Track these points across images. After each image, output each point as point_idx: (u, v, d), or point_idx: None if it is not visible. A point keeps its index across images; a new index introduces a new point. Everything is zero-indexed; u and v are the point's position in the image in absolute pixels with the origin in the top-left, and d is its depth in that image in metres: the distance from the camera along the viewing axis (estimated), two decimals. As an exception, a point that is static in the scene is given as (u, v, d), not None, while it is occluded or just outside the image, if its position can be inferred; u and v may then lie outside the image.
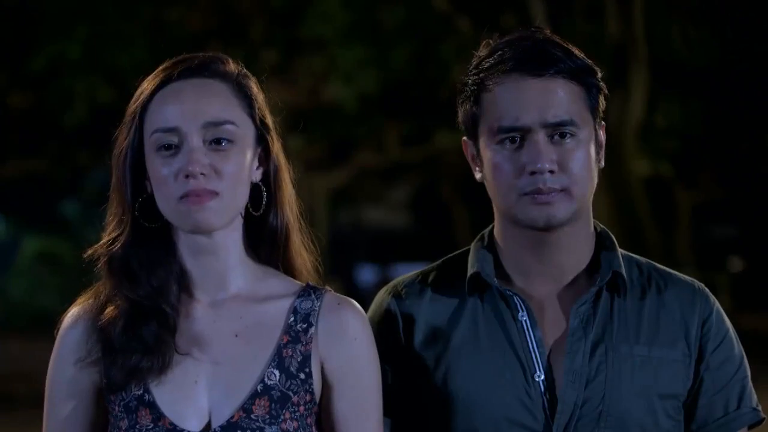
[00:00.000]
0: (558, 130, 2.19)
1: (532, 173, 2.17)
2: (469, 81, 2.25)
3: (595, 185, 2.24)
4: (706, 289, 2.31)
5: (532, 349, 2.21)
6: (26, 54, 12.39)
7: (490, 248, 2.31)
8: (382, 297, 2.35)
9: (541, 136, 2.18)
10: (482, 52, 2.26)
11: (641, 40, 11.47)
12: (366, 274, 24.71)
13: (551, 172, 2.17)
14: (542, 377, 2.20)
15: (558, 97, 2.19)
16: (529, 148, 2.18)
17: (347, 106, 13.28)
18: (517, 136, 2.19)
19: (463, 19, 12.43)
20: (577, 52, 2.24)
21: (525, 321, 2.23)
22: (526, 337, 2.22)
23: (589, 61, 2.25)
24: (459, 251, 2.37)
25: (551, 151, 2.18)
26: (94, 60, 12.21)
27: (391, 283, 2.37)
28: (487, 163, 2.24)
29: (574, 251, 2.26)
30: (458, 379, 2.23)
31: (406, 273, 2.42)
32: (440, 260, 2.38)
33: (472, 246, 2.33)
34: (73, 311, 2.19)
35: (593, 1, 12.02)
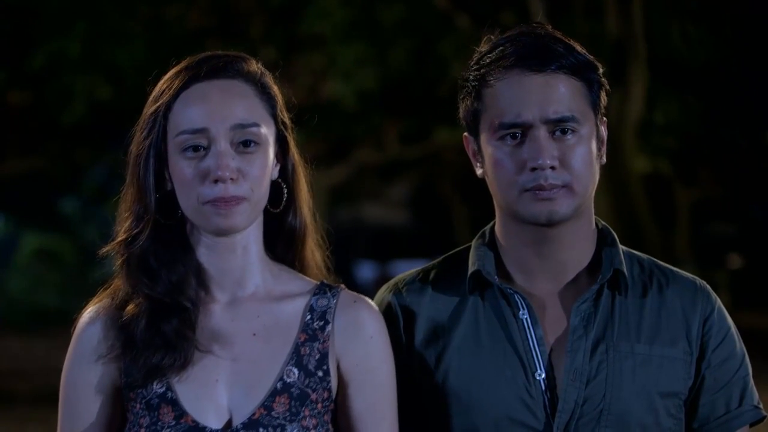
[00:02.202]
0: (559, 126, 2.18)
1: (533, 169, 2.16)
2: (470, 77, 2.24)
3: (596, 181, 2.23)
4: (708, 287, 2.31)
5: (532, 348, 2.21)
6: (25, 52, 12.36)
7: (491, 245, 2.30)
8: (382, 295, 2.34)
9: (542, 132, 2.17)
10: (483, 47, 2.25)
11: (640, 38, 11.44)
12: (365, 271, 24.66)
13: (552, 168, 2.17)
14: (543, 376, 2.19)
15: (559, 93, 2.18)
16: (530, 144, 2.17)
17: (346, 104, 13.25)
18: (518, 132, 2.19)
19: (462, 16, 12.40)
20: (578, 47, 2.23)
21: (526, 319, 2.22)
22: (526, 335, 2.22)
23: (591, 57, 2.24)
24: (460, 248, 2.36)
25: (552, 147, 2.17)
26: (93, 58, 12.18)
27: (392, 281, 2.37)
28: (489, 159, 2.23)
29: (576, 248, 2.25)
30: (459, 377, 2.22)
31: (405, 270, 2.41)
32: (441, 258, 2.38)
33: (473, 243, 2.32)
34: (91, 309, 2.17)
35: (592, -2, 11.99)
